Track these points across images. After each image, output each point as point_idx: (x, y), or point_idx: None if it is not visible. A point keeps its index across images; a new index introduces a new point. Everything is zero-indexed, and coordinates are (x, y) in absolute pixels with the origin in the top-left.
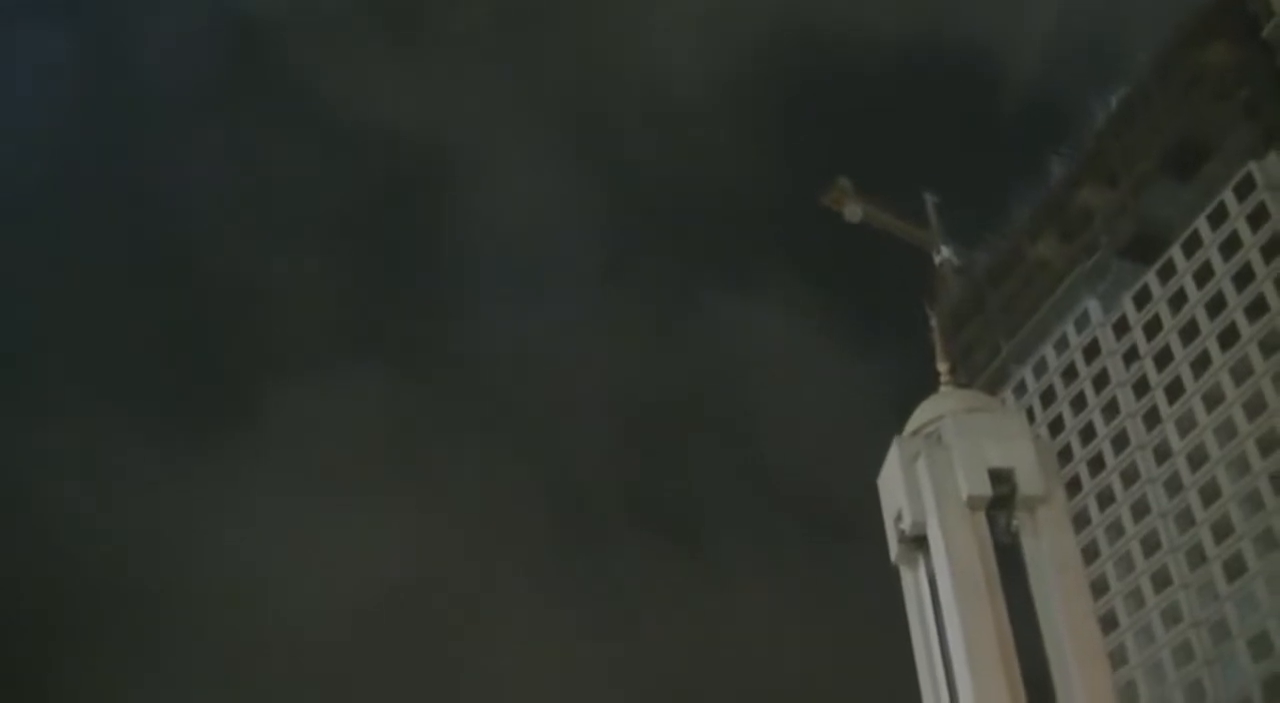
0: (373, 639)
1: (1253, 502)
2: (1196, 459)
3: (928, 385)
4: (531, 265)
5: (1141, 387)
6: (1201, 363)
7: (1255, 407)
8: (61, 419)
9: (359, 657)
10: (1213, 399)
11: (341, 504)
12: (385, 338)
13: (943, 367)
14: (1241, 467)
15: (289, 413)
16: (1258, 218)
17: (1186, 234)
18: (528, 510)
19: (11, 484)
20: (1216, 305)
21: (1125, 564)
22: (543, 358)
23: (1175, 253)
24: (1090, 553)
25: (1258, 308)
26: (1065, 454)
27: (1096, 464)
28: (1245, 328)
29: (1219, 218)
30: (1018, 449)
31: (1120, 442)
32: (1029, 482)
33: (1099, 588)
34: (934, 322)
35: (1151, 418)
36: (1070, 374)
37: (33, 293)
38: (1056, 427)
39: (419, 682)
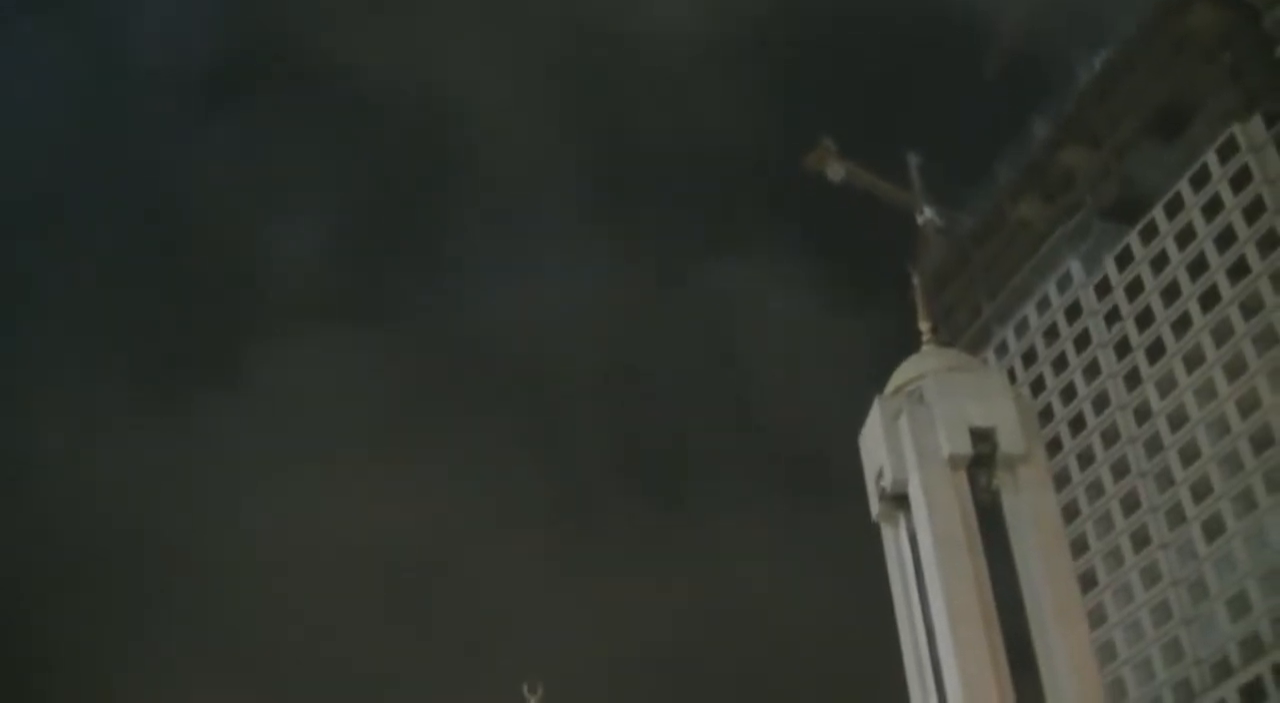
0: (360, 601)
1: (1232, 463)
2: (1176, 420)
3: (910, 345)
4: (526, 232)
5: (1123, 347)
6: (1182, 324)
7: (1235, 368)
8: (59, 384)
9: (348, 616)
10: (1193, 360)
11: (332, 470)
12: (378, 303)
13: (925, 326)
14: (1221, 428)
15: (281, 379)
16: (1240, 180)
17: (1169, 196)
18: (520, 474)
19: (4, 446)
20: (1198, 267)
21: (1105, 524)
22: (535, 323)
23: (1158, 214)
24: (1070, 512)
25: (1239, 270)
26: (1046, 414)
27: (1077, 424)
28: (1226, 290)
29: (1201, 180)
30: (999, 408)
31: (1101, 402)
32: (1010, 441)
33: (1078, 547)
34: (916, 282)
35: (1132, 379)
36: (1052, 334)
37: (30, 264)
38: (1038, 387)
39: (404, 640)
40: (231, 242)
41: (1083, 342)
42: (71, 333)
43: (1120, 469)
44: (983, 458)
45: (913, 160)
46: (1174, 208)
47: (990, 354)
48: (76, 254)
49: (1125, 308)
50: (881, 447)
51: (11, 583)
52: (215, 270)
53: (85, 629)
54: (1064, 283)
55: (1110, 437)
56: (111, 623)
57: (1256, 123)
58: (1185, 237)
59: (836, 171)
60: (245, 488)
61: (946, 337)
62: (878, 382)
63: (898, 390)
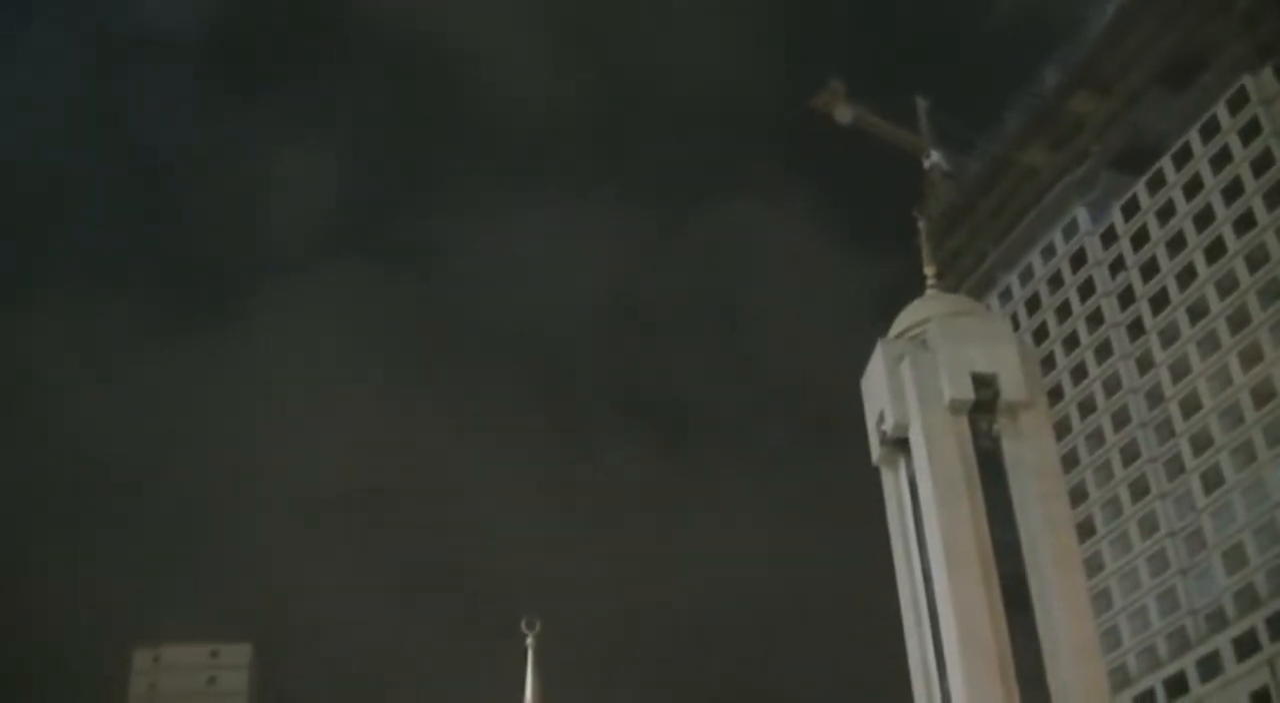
0: (361, 539)
1: (1233, 415)
2: (1178, 371)
3: (914, 289)
4: (530, 168)
5: (1127, 297)
6: (1187, 275)
7: (1239, 321)
8: (63, 313)
9: (349, 552)
10: (1197, 312)
11: (334, 410)
12: (382, 244)
13: (930, 271)
14: (1223, 380)
15: (286, 317)
16: (1249, 132)
17: (1178, 146)
18: (522, 417)
19: (13, 372)
20: (1205, 218)
21: (1104, 473)
22: (538, 260)
23: (1165, 164)
24: (1070, 461)
25: (1246, 222)
26: (1048, 362)
27: (1079, 373)
28: (1232, 242)
29: (1211, 131)
30: (1002, 355)
31: (1103, 351)
32: (1012, 387)
33: (1077, 496)
34: (922, 226)
35: (1135, 328)
36: (1056, 282)
37: (37, 195)
38: (1041, 334)
39: (407, 579)
40: (237, 180)
41: (1087, 290)
42: (76, 270)
43: (1121, 419)
44: (984, 404)
45: (921, 104)
46: (1182, 158)
47: (994, 300)
48: (85, 184)
49: (1130, 258)
50: (883, 390)
51: (13, 514)
52: (221, 207)
53: (84, 558)
54: (1070, 231)
55: (1112, 386)
56: (109, 552)
57: (1267, 75)
58: (1193, 187)
59: (844, 114)
60: (247, 423)
61: (951, 282)
62: (881, 325)
63: (901, 334)
